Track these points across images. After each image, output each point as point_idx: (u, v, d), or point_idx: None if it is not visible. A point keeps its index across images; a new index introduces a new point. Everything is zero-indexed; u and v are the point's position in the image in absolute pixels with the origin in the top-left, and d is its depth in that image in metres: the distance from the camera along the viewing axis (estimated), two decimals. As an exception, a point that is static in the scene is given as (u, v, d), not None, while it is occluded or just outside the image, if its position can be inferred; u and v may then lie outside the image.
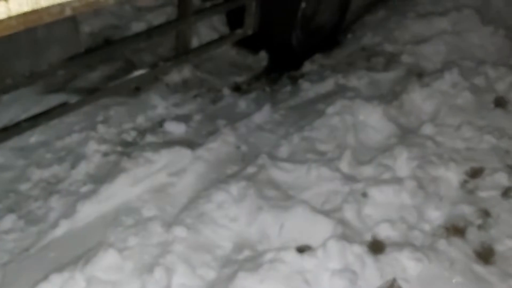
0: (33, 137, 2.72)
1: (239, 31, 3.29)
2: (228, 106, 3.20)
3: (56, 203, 2.29)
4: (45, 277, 1.86)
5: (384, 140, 2.68)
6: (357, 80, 3.28)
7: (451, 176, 2.42)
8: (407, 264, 1.94)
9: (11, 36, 1.99)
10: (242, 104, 3.19)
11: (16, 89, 2.70)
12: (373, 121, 2.79)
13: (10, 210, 2.26)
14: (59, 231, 2.13)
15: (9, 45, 2.41)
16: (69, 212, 2.21)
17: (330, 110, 2.88)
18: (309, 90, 3.30)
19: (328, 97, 3.12)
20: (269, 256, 1.94)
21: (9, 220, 2.20)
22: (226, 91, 3.33)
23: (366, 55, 3.68)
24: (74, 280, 1.84)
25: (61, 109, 2.34)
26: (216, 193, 2.30)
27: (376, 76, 3.33)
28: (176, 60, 3.01)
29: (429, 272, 1.94)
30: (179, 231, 2.10)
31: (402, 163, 2.43)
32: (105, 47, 3.21)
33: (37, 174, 2.47)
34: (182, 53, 3.05)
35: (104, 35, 3.76)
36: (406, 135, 2.70)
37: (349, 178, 2.39)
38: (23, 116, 2.68)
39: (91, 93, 2.66)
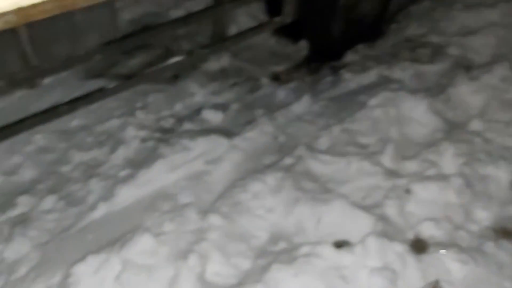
0: (74, 121, 2.77)
1: (277, 19, 3.23)
2: (267, 95, 3.15)
3: (95, 186, 2.31)
4: (83, 258, 1.88)
5: (429, 135, 2.56)
6: (401, 72, 3.16)
7: (500, 174, 2.29)
8: (451, 266, 1.84)
9: (49, 20, 2.01)
10: (281, 94, 3.13)
11: (54, 73, 2.74)
12: (418, 115, 2.68)
13: (51, 191, 2.30)
14: (98, 213, 2.15)
15: (48, 29, 2.45)
16: (107, 196, 2.23)
17: (373, 102, 2.79)
18: (350, 81, 3.21)
19: (370, 89, 3.02)
20: (305, 249, 1.89)
21: (50, 201, 2.23)
22: (265, 81, 3.28)
23: (411, 46, 3.55)
24: (110, 262, 1.85)
25: (99, 94, 2.36)
26: (252, 183, 2.27)
27: (421, 68, 3.19)
28: (212, 48, 2.98)
29: (476, 275, 1.83)
30: (215, 219, 2.08)
31: (448, 159, 2.32)
32: (141, 32, 3.21)
33: (78, 157, 2.51)
34: (218, 40, 3.02)
35: (143, 22, 3.77)
36: (453, 130, 2.57)
37: (392, 173, 2.30)
38: (65, 100, 2.72)
39: (128, 79, 2.67)
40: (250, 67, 3.48)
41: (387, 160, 2.37)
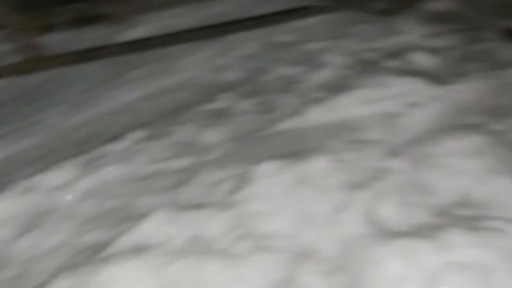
0: (284, 36, 2.82)
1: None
2: (489, 50, 2.76)
3: (289, 100, 2.37)
4: (263, 160, 1.93)
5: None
6: None
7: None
8: None
9: None
10: (507, 52, 2.70)
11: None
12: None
13: (250, 95, 2.40)
14: (285, 125, 2.21)
15: None
16: (297, 112, 2.27)
17: None
18: None
19: None
20: (496, 223, 1.64)
21: (247, 104, 2.36)
22: (489, 34, 2.88)
23: None
24: (285, 171, 1.86)
25: (302, 13, 2.32)
26: (450, 139, 2.04)
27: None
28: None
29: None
30: (399, 163, 1.93)
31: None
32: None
33: (280, 70, 2.57)
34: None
35: None
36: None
37: None
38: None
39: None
40: (475, 16, 3.08)
41: None
